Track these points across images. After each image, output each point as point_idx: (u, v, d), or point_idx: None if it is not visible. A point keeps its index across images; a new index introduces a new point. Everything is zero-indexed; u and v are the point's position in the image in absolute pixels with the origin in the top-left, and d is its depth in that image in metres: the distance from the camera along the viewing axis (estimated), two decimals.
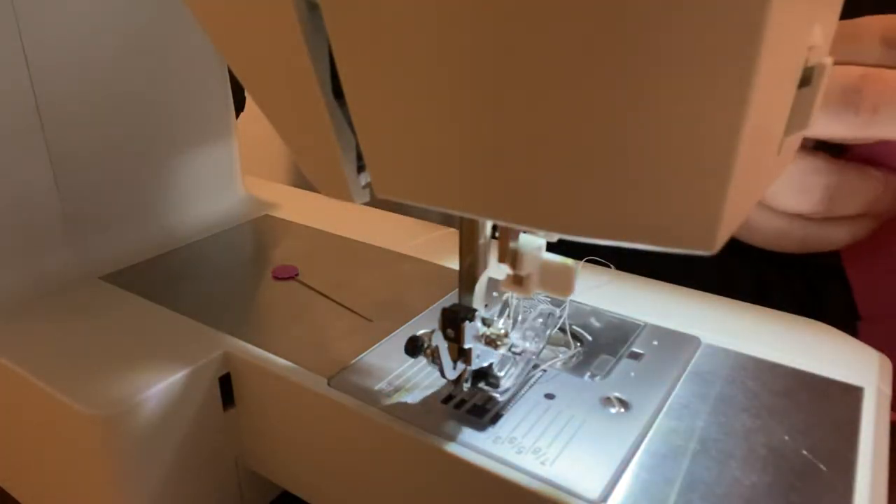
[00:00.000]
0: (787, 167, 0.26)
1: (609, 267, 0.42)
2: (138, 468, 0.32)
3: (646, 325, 0.36)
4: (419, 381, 0.32)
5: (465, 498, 0.28)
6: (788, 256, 0.40)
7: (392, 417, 0.29)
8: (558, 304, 0.35)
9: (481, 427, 0.29)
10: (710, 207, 0.17)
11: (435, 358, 0.29)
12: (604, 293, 0.39)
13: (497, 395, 0.30)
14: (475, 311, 0.28)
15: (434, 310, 0.38)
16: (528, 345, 0.30)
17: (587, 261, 0.41)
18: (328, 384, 0.32)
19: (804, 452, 0.27)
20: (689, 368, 0.33)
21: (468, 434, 0.28)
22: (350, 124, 0.22)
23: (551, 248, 0.27)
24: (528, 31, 0.16)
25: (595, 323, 0.37)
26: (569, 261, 0.26)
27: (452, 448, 0.28)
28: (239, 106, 0.61)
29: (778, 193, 0.35)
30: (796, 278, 0.47)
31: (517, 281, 0.26)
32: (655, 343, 0.35)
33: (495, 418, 0.29)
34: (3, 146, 0.39)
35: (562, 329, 0.35)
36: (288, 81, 0.22)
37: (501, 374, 0.30)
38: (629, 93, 0.16)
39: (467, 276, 0.29)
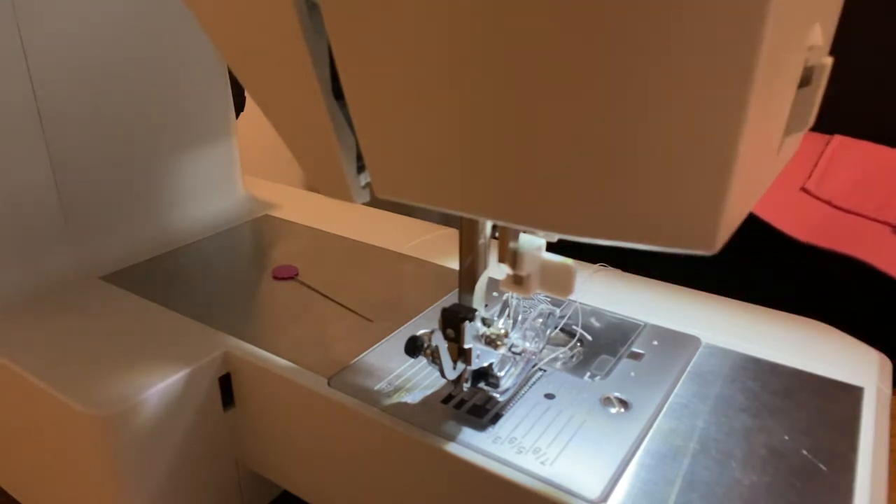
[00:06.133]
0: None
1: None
2: (138, 468, 0.32)
3: (646, 325, 0.36)
4: (419, 381, 0.32)
5: (465, 498, 0.28)
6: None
7: (392, 417, 0.29)
8: (558, 304, 0.35)
9: (481, 427, 0.29)
10: (710, 207, 0.17)
11: (435, 358, 0.29)
12: (604, 293, 0.39)
13: (497, 395, 0.30)
14: (475, 311, 0.28)
15: (434, 310, 0.38)
16: (528, 345, 0.30)
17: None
18: (328, 384, 0.32)
19: (804, 452, 0.27)
20: (689, 368, 0.33)
21: (468, 434, 0.28)
22: (350, 124, 0.22)
23: (551, 248, 0.27)
24: (529, 32, 0.16)
25: (595, 323, 0.37)
26: (569, 261, 0.26)
27: (452, 448, 0.28)
28: (239, 106, 0.61)
29: None
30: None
31: (517, 281, 0.26)
32: (655, 343, 0.35)
33: (495, 418, 0.29)
34: (3, 146, 0.39)
35: (562, 329, 0.35)
36: (288, 82, 0.22)
37: (501, 374, 0.30)
38: (629, 93, 0.16)
39: (467, 276, 0.29)
